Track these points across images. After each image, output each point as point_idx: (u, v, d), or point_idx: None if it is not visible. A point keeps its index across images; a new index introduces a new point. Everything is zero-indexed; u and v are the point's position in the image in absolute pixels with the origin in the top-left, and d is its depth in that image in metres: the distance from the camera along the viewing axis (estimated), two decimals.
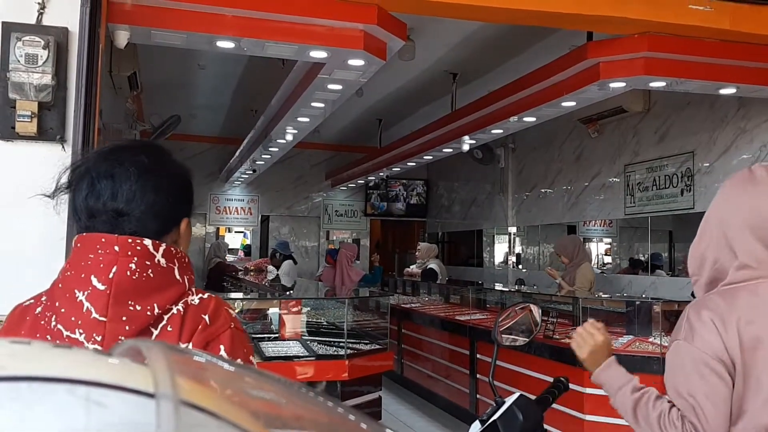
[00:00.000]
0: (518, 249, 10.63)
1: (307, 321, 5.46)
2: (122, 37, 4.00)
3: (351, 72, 4.88)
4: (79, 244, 1.23)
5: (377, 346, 5.17)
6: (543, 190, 9.72)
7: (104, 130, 5.00)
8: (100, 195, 1.24)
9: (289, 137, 7.90)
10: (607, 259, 9.34)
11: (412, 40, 6.05)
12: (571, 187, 9.03)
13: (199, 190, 12.71)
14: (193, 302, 1.27)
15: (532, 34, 6.22)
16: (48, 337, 1.20)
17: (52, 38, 3.09)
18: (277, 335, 5.20)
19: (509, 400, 2.08)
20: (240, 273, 10.44)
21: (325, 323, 5.60)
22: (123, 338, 1.16)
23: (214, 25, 4.08)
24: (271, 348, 4.77)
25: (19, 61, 3.03)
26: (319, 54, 4.47)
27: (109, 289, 1.17)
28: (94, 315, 1.16)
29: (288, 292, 6.98)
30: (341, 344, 4.81)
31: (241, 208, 13.13)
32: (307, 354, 4.70)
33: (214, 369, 0.46)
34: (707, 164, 6.77)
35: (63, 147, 3.17)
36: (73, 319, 1.17)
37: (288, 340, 5.06)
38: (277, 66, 6.52)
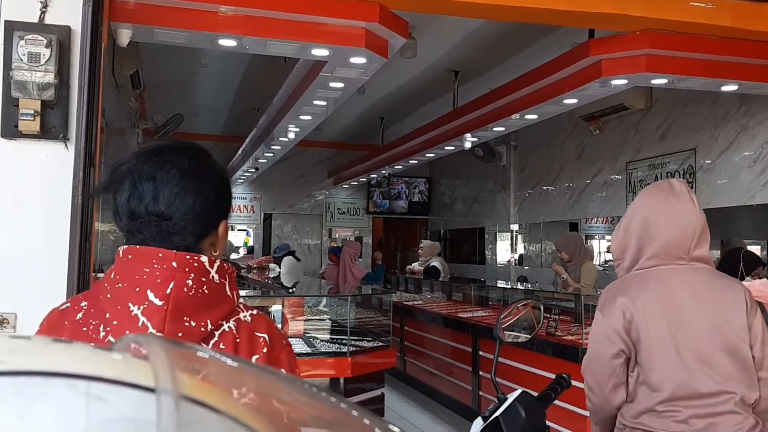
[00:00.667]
0: (520, 246, 10.63)
1: (310, 318, 5.46)
2: (124, 36, 4.01)
3: (353, 70, 4.88)
4: (130, 256, 1.22)
5: (380, 344, 5.18)
6: (545, 188, 9.72)
7: (107, 129, 5.01)
8: (142, 197, 1.24)
9: (292, 135, 7.90)
10: (609, 257, 9.33)
11: (413, 37, 6.05)
12: (573, 185, 9.02)
13: None
14: (245, 319, 1.28)
15: (534, 31, 6.21)
16: (92, 345, 1.09)
17: (54, 37, 3.10)
18: None
19: (511, 397, 2.09)
20: (243, 271, 10.45)
21: (328, 321, 5.61)
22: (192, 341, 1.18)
23: (216, 23, 4.09)
24: None
25: (21, 59, 3.04)
26: (321, 52, 4.47)
27: (166, 304, 1.17)
28: (151, 330, 1.16)
29: (290, 290, 6.99)
30: (344, 341, 4.81)
31: (244, 206, 13.14)
32: (310, 351, 4.71)
33: (215, 364, 0.46)
34: (709, 161, 6.76)
35: (66, 145, 3.17)
36: (127, 332, 1.15)
37: (291, 337, 5.07)
38: (279, 64, 6.52)
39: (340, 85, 5.37)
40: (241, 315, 1.28)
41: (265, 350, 1.27)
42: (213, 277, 1.23)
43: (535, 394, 2.17)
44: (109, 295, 1.21)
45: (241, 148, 10.39)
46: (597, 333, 2.18)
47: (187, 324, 1.19)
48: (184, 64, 7.91)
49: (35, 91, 3.06)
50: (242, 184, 12.74)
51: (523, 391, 2.07)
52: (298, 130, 7.58)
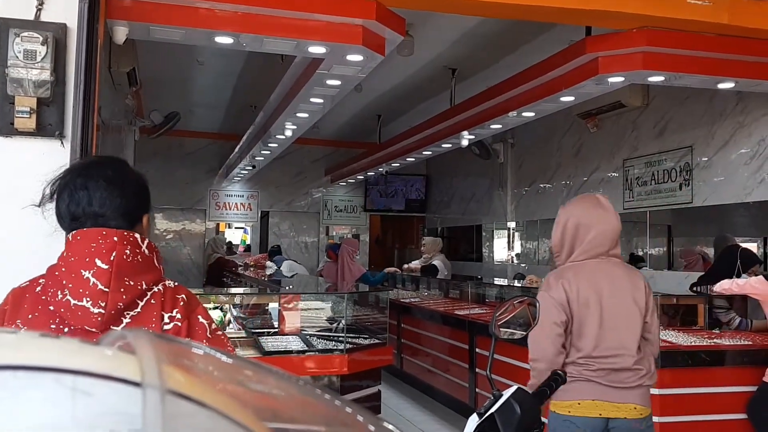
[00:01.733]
0: (517, 244, 10.63)
1: (307, 316, 5.46)
2: (121, 33, 4.00)
3: (350, 67, 4.88)
4: (78, 237, 1.58)
5: (377, 341, 5.18)
6: (542, 185, 9.72)
7: (103, 126, 5.00)
8: (79, 202, 1.61)
9: (289, 133, 7.90)
10: None
11: (410, 35, 6.04)
12: (570, 182, 9.03)
13: (199, 187, 12.75)
14: (170, 285, 1.68)
15: (531, 29, 6.21)
16: (51, 308, 1.55)
17: (50, 34, 3.09)
18: (276, 330, 5.21)
19: (507, 393, 2.09)
20: (240, 268, 10.45)
21: (324, 318, 5.61)
22: (121, 305, 1.54)
23: (213, 20, 4.08)
24: (270, 343, 4.78)
25: (17, 56, 3.04)
26: (317, 49, 4.47)
27: (111, 268, 1.54)
28: (100, 287, 1.52)
29: (287, 287, 6.99)
30: (341, 339, 4.82)
31: (241, 203, 13.13)
32: (306, 348, 4.71)
33: (202, 359, 0.46)
34: (706, 158, 6.77)
35: (62, 143, 3.17)
36: (81, 290, 1.52)
37: (288, 334, 5.06)
38: (276, 62, 6.52)
39: (337, 82, 5.37)
40: (167, 282, 1.67)
41: (182, 304, 1.65)
42: (144, 250, 1.61)
43: (531, 390, 2.17)
44: (63, 269, 1.55)
45: (238, 146, 10.38)
46: (547, 307, 2.72)
47: (127, 282, 1.55)
48: (181, 62, 7.90)
49: (31, 88, 3.05)
50: (239, 181, 12.73)
51: (519, 388, 2.07)
52: (295, 127, 7.57)
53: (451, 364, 6.57)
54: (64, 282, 1.54)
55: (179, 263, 12.44)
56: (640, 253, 8.10)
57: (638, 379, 2.81)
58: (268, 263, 9.82)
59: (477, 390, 6.06)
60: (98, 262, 1.53)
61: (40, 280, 1.62)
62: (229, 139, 11.49)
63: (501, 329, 2.83)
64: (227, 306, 5.61)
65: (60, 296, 1.53)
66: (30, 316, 1.58)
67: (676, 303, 5.65)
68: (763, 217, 6.40)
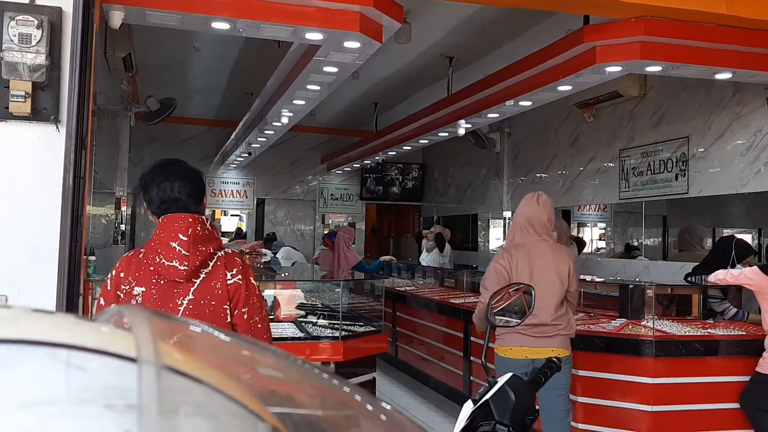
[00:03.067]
0: None
1: (303, 303, 5.47)
2: (117, 18, 3.98)
3: (347, 54, 4.86)
4: (166, 220, 2.29)
5: (372, 329, 5.19)
6: (538, 175, 9.72)
7: (99, 112, 4.98)
8: (165, 190, 2.32)
9: (285, 120, 7.88)
10: (601, 244, 9.37)
11: (408, 23, 6.02)
12: (567, 172, 9.03)
13: None
14: (228, 251, 2.39)
15: (529, 18, 6.19)
16: (151, 268, 2.26)
17: (45, 18, 3.07)
18: (272, 317, 5.21)
19: (501, 380, 2.10)
20: None
21: (320, 305, 5.61)
22: (198, 263, 2.25)
23: (210, 5, 4.06)
24: None
25: (12, 40, 3.02)
26: (314, 36, 4.45)
27: (189, 239, 2.25)
28: (183, 252, 2.24)
29: (283, 274, 6.99)
30: (336, 326, 4.82)
31: (237, 191, 13.11)
32: (302, 335, 4.72)
33: (199, 336, 0.46)
34: (702, 149, 6.78)
35: (57, 127, 3.16)
36: (171, 255, 2.24)
37: (283, 321, 5.07)
38: (272, 48, 6.49)
39: (334, 69, 5.35)
40: (227, 250, 2.40)
41: (240, 267, 2.36)
42: (208, 227, 2.34)
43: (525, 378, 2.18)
44: (157, 241, 2.28)
45: (234, 133, 10.35)
46: (497, 270, 3.79)
47: (200, 248, 2.27)
48: (177, 48, 7.86)
49: (26, 72, 3.04)
50: (235, 168, 12.71)
51: (513, 375, 2.08)
52: (291, 115, 7.55)
53: (446, 352, 6.59)
54: (158, 250, 2.25)
55: None
56: (635, 243, 8.13)
57: (556, 330, 3.72)
58: (264, 250, 9.82)
59: (471, 378, 6.08)
60: (180, 236, 2.24)
61: (141, 250, 2.32)
62: (225, 125, 11.46)
63: (496, 317, 2.84)
64: None
65: (157, 259, 2.25)
66: (137, 273, 2.28)
67: (670, 293, 5.67)
68: (758, 208, 6.41)
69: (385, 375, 7.28)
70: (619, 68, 5.12)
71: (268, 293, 5.09)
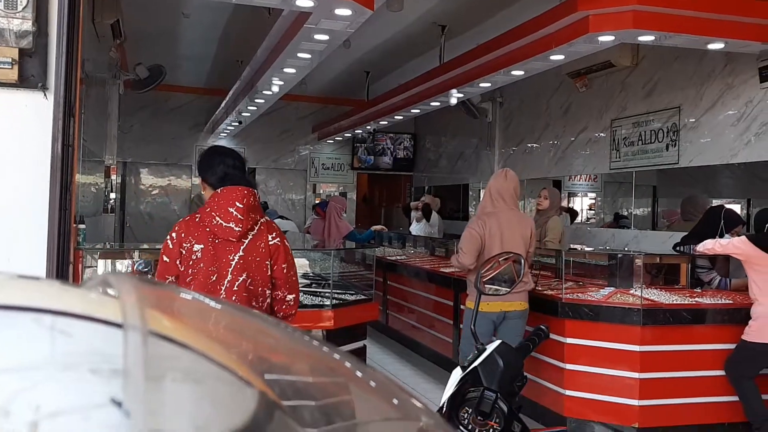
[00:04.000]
0: None
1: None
2: None
3: (338, 22, 4.81)
4: (224, 190, 2.76)
5: (363, 297, 5.22)
6: (529, 145, 9.71)
7: (87, 79, 4.93)
8: (222, 167, 2.84)
9: (276, 89, 7.82)
10: (591, 213, 9.41)
11: None
12: (558, 142, 9.03)
13: (185, 142, 12.63)
14: (268, 220, 2.91)
15: None
16: (207, 229, 2.72)
17: None
18: None
19: (490, 347, 2.13)
20: None
21: (311, 274, 5.63)
22: (249, 226, 2.75)
23: None
24: None
25: None
26: (305, 2, 4.40)
27: (244, 207, 2.73)
28: (239, 216, 2.72)
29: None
30: (327, 294, 4.84)
31: None
32: None
33: (186, 303, 0.47)
34: (693, 119, 6.78)
35: (45, 95, 3.12)
36: (228, 218, 2.70)
37: None
38: (263, 15, 6.41)
39: (324, 37, 5.30)
40: (267, 218, 2.91)
41: (278, 231, 2.88)
42: (257, 198, 2.83)
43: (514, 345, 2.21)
44: (215, 206, 2.73)
45: (224, 101, 10.27)
46: (471, 234, 4.44)
47: (251, 215, 2.76)
48: (166, 14, 7.76)
49: (13, 38, 2.99)
50: (225, 137, 12.62)
51: (502, 342, 2.11)
52: (282, 83, 7.49)
53: (436, 320, 6.64)
54: (214, 214, 2.72)
55: (166, 219, 12.34)
56: (625, 213, 8.16)
57: (522, 286, 4.13)
58: None
59: (460, 346, 6.13)
60: (238, 204, 2.72)
61: (197, 215, 2.79)
62: (215, 94, 11.36)
63: (486, 285, 2.85)
64: None
65: (214, 222, 2.71)
66: (196, 233, 2.72)
67: (659, 262, 5.71)
68: (748, 178, 6.44)
69: (375, 343, 7.34)
70: (611, 38, 5.09)
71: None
